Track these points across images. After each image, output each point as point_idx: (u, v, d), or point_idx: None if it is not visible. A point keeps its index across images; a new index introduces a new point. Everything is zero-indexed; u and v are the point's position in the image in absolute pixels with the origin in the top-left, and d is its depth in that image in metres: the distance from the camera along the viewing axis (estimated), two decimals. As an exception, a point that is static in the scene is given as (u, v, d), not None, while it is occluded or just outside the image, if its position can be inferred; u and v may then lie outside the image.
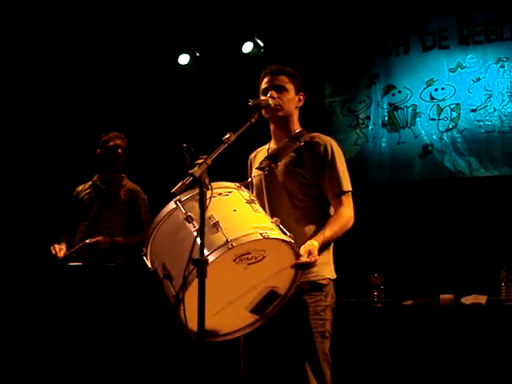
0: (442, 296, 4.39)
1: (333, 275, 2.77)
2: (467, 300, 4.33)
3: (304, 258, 2.42)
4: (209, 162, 2.22)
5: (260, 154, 2.98)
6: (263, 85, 2.87)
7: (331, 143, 2.81)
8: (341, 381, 2.93)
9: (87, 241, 4.05)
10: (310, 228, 2.72)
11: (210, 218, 2.24)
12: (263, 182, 2.84)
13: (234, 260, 2.26)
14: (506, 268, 4.30)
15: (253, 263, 2.30)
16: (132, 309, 3.84)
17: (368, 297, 4.66)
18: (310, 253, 2.46)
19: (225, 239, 2.19)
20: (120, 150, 4.37)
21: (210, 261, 2.13)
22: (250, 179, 2.87)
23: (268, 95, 2.79)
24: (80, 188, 4.46)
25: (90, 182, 4.45)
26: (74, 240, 4.22)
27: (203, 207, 2.14)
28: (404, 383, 4.17)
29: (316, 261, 2.48)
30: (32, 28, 5.65)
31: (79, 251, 4.06)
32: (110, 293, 3.77)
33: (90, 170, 4.54)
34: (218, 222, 2.24)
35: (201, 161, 2.20)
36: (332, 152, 2.77)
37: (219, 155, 2.32)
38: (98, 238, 4.08)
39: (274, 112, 2.79)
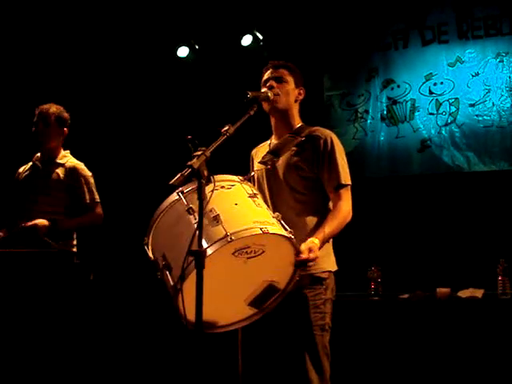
0: (438, 289, 4.41)
1: (333, 267, 2.78)
2: (464, 294, 4.35)
3: (304, 255, 2.43)
4: (207, 153, 2.23)
5: (261, 150, 2.99)
6: (264, 77, 2.89)
7: (331, 136, 2.82)
8: (339, 373, 2.94)
9: (23, 224, 3.75)
10: (312, 221, 2.73)
11: (211, 210, 2.25)
12: (265, 177, 2.85)
13: (233, 253, 2.26)
14: (503, 262, 4.32)
15: (252, 257, 2.31)
16: (74, 300, 3.59)
17: (365, 290, 4.68)
18: (310, 250, 2.46)
19: (224, 233, 2.20)
20: (40, 125, 3.98)
21: (208, 253, 2.15)
22: (252, 173, 2.87)
23: (268, 85, 2.81)
24: (21, 169, 4.16)
25: (30, 163, 4.14)
26: (13, 225, 3.88)
27: (201, 199, 2.15)
28: (401, 376, 4.19)
29: (316, 258, 2.49)
30: (31, 18, 5.64)
31: (14, 236, 3.75)
32: (45, 282, 3.47)
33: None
34: (218, 215, 2.25)
35: (199, 152, 2.21)
36: (332, 145, 2.78)
37: (218, 147, 2.33)
38: (35, 222, 3.75)
39: (273, 103, 2.80)
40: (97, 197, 4.02)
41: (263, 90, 2.83)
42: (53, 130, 4.00)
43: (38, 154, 4.10)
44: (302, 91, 2.92)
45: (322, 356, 2.66)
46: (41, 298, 3.44)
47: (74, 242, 4.01)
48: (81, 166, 4.04)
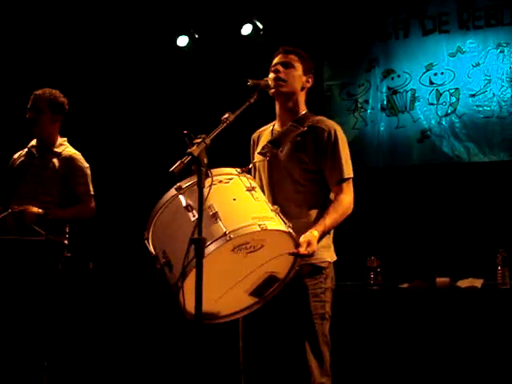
0: (438, 279, 4.42)
1: (332, 258, 2.79)
2: (463, 283, 4.35)
3: (302, 250, 2.43)
4: (207, 141, 2.22)
5: (264, 135, 2.95)
6: (274, 62, 2.87)
7: (335, 128, 2.79)
8: (339, 362, 2.95)
9: (10, 209, 3.61)
10: (312, 213, 2.72)
11: (209, 207, 2.24)
12: (266, 167, 2.82)
13: (233, 250, 2.27)
14: (503, 252, 4.32)
15: (252, 252, 2.31)
16: (61, 292, 3.59)
17: (364, 279, 4.69)
18: (309, 243, 2.46)
19: (223, 231, 2.20)
20: (33, 112, 3.83)
21: (207, 252, 2.14)
22: (251, 165, 2.85)
23: (273, 69, 2.80)
24: (16, 155, 4.02)
25: (25, 149, 3.99)
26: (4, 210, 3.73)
27: (201, 187, 2.14)
28: (401, 366, 4.20)
29: (314, 252, 2.49)
30: (32, 11, 5.62)
31: (2, 221, 3.62)
32: (29, 271, 3.46)
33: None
34: (217, 212, 2.24)
35: (199, 140, 2.20)
36: (335, 137, 2.76)
37: (218, 135, 2.32)
38: (24, 207, 3.61)
39: (278, 87, 2.77)
40: (91, 189, 3.90)
41: (270, 75, 2.80)
42: (46, 117, 3.84)
43: (34, 141, 3.96)
44: (310, 79, 2.90)
45: (322, 344, 2.67)
46: (22, 287, 3.41)
47: (67, 235, 3.87)
48: (78, 156, 3.91)
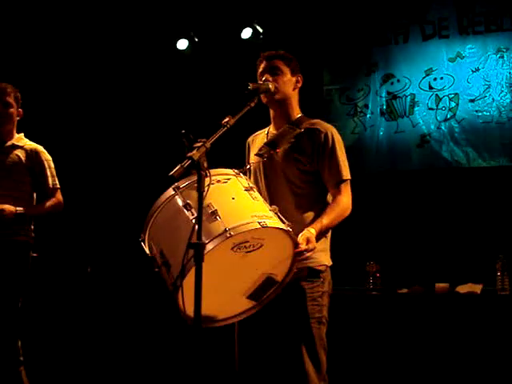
0: (437, 284, 4.42)
1: (329, 262, 2.78)
2: (462, 289, 4.35)
3: (303, 246, 2.42)
4: (207, 145, 2.21)
5: (258, 139, 2.96)
6: (259, 70, 2.86)
7: (332, 131, 2.80)
8: (336, 367, 2.94)
9: None
10: (309, 215, 2.71)
11: (208, 205, 2.23)
12: (262, 169, 2.82)
13: (232, 248, 2.25)
14: (502, 258, 4.32)
15: (251, 251, 2.30)
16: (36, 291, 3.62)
17: (363, 284, 4.68)
18: (308, 241, 2.46)
19: (223, 228, 2.19)
20: (0, 105, 3.67)
21: (208, 249, 2.13)
22: (248, 166, 2.85)
23: (263, 78, 2.78)
24: None
25: None
26: None
27: (201, 191, 2.14)
28: (399, 371, 4.19)
29: (314, 248, 2.48)
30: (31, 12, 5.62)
31: None
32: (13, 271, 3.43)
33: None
34: (216, 210, 2.23)
35: (199, 144, 2.19)
36: (332, 140, 2.76)
37: (218, 139, 2.31)
38: (3, 206, 3.49)
39: (271, 96, 2.77)
40: (57, 182, 3.77)
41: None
42: (13, 111, 3.71)
43: None
44: (299, 78, 2.89)
45: (319, 348, 2.65)
46: None
47: (33, 234, 3.72)
48: (42, 148, 3.78)
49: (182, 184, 2.32)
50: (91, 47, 5.92)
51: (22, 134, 3.82)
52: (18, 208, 3.55)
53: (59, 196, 3.78)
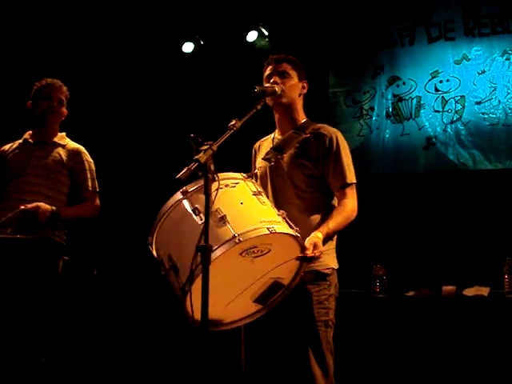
0: (444, 287, 4.40)
1: (336, 265, 2.77)
2: (469, 292, 4.33)
3: (310, 252, 2.41)
4: (214, 148, 2.21)
5: (264, 144, 2.97)
6: (266, 72, 2.86)
7: (337, 135, 2.80)
8: (343, 370, 2.93)
9: (22, 207, 3.29)
10: (315, 219, 2.71)
11: (216, 210, 2.23)
12: (268, 174, 2.82)
13: (241, 254, 2.25)
14: (509, 260, 4.30)
15: (259, 256, 2.29)
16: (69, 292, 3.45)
17: (370, 287, 4.67)
18: (315, 246, 2.45)
19: (232, 234, 2.19)
20: (54, 103, 3.59)
21: (216, 255, 2.13)
22: (255, 171, 2.86)
23: (271, 81, 2.78)
24: (7, 147, 3.67)
25: (19, 140, 3.66)
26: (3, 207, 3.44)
27: (208, 194, 2.14)
28: (406, 374, 4.17)
29: (321, 253, 2.48)
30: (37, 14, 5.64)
31: (11, 220, 3.29)
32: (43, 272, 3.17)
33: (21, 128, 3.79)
34: (225, 215, 2.23)
35: (206, 147, 2.19)
36: (337, 144, 2.76)
37: (225, 142, 2.31)
38: (38, 204, 3.33)
39: (278, 99, 2.77)
40: (97, 186, 3.65)
41: (268, 84, 2.79)
42: (64, 110, 3.65)
43: (30, 133, 3.68)
44: (305, 84, 2.90)
45: (326, 352, 2.64)
46: (18, 288, 3.08)
47: (65, 237, 3.56)
48: (84, 149, 3.65)
49: (191, 188, 2.32)
50: (97, 50, 5.93)
51: (65, 134, 3.71)
52: (53, 207, 3.38)
53: (97, 201, 3.64)
